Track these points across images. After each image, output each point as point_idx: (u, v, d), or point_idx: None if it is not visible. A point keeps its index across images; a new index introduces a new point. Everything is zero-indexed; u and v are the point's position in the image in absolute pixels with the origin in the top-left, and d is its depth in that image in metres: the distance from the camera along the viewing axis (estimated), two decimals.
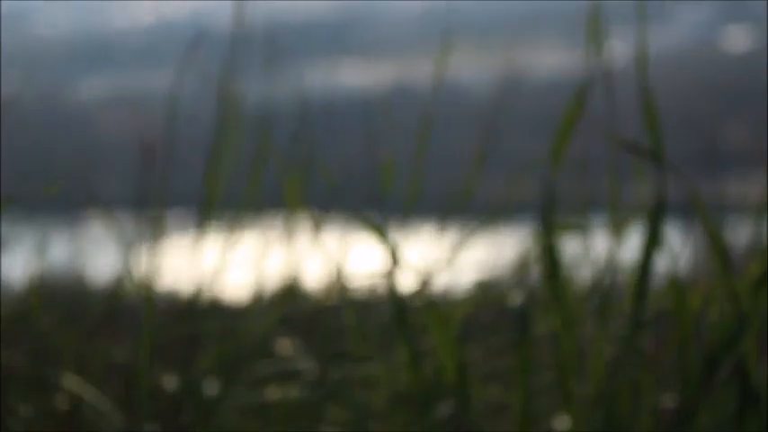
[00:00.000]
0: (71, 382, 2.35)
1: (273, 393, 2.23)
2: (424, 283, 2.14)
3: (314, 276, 2.43)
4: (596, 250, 2.09)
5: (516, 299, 2.00)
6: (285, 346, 2.30)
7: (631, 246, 2.08)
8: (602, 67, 2.03)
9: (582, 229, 2.06)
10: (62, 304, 2.55)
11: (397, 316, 2.02)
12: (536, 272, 2.19)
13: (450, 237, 2.26)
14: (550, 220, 1.98)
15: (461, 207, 2.26)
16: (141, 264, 2.38)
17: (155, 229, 2.34)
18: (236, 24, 2.23)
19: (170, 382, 2.30)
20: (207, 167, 2.29)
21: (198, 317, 2.35)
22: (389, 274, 2.05)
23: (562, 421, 2.05)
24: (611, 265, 2.05)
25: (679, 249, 2.09)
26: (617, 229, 2.05)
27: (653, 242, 1.99)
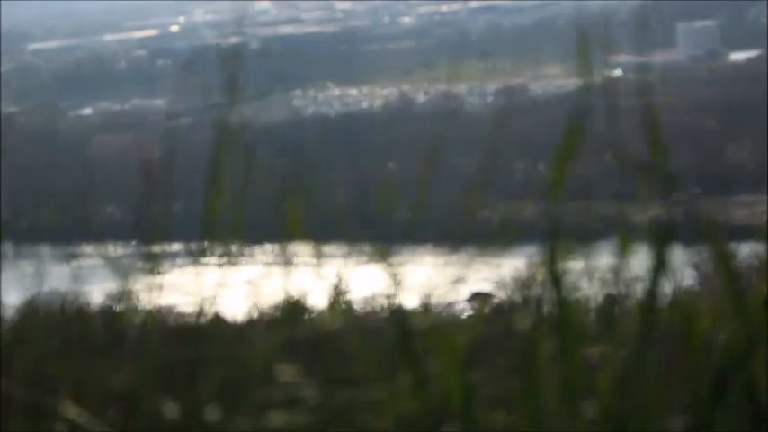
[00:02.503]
0: (69, 408, 2.33)
1: (276, 419, 2.21)
2: (428, 307, 2.12)
3: (316, 300, 2.41)
4: (603, 271, 2.08)
5: (522, 321, 1.98)
6: (288, 371, 2.28)
7: (638, 265, 2.06)
8: (602, 84, 2.01)
9: (587, 252, 2.04)
10: (60, 330, 2.54)
11: (401, 340, 2.00)
12: (542, 294, 2.17)
13: (453, 259, 2.23)
14: (555, 242, 1.96)
15: (464, 230, 2.24)
16: (140, 289, 2.36)
17: (154, 254, 2.32)
18: (235, 44, 2.21)
19: (171, 408, 2.28)
20: (208, 190, 2.27)
21: (199, 342, 2.32)
22: (393, 298, 2.03)
23: None
24: (618, 286, 2.04)
25: (686, 268, 2.07)
26: (623, 249, 2.03)
27: (660, 263, 1.98)
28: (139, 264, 2.35)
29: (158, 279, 2.30)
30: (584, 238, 2.07)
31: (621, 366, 2.04)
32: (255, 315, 2.38)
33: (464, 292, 2.19)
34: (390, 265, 2.05)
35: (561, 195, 1.98)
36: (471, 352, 2.18)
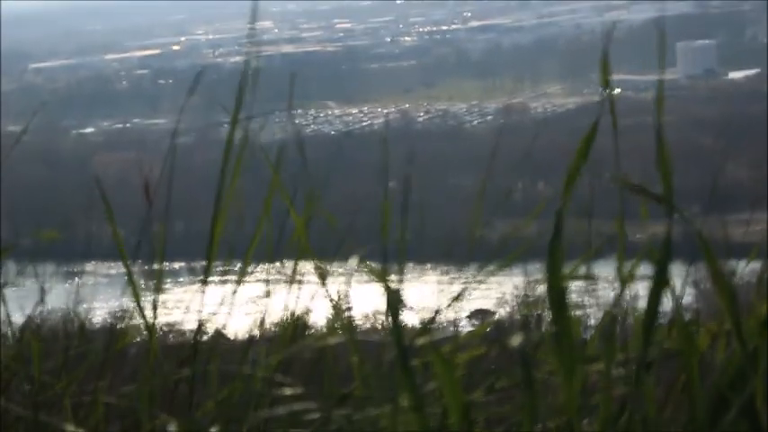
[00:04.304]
0: (70, 426, 2.33)
1: None
2: (428, 326, 2.12)
3: (318, 318, 2.41)
4: (603, 290, 2.08)
5: (522, 341, 1.98)
6: (288, 388, 2.28)
7: (638, 285, 2.06)
8: (607, 107, 2.02)
9: (588, 273, 2.05)
10: (61, 349, 2.54)
11: (402, 359, 2.01)
12: (542, 313, 2.18)
13: (454, 278, 2.24)
14: (557, 262, 1.96)
15: (465, 249, 2.24)
16: (142, 308, 2.36)
17: (155, 272, 2.33)
18: (244, 65, 2.22)
19: (171, 426, 2.28)
20: (213, 208, 2.28)
21: (200, 360, 2.33)
22: (393, 317, 2.03)
23: None
24: (618, 306, 2.04)
25: (685, 289, 2.07)
26: (623, 270, 2.03)
27: (660, 283, 1.98)
28: (141, 282, 2.36)
29: (160, 297, 2.31)
30: (585, 256, 2.07)
31: (621, 384, 2.04)
32: (257, 332, 2.38)
33: (465, 309, 2.19)
34: (391, 283, 2.05)
35: (564, 214, 1.98)
36: (471, 369, 2.18)
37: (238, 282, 2.29)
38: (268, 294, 2.37)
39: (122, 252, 2.33)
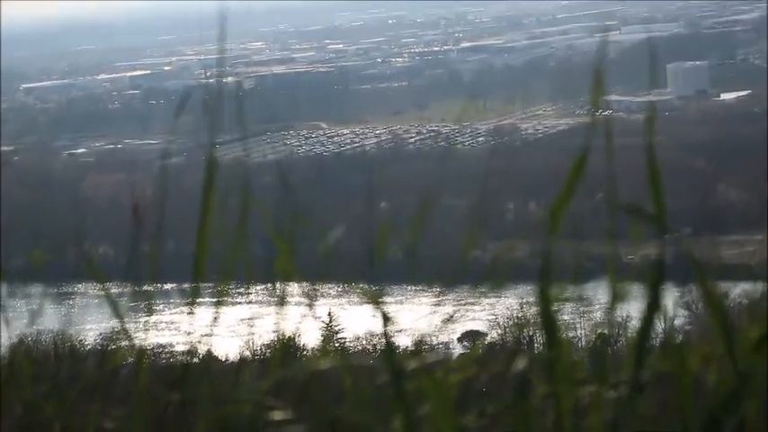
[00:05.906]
0: None
1: None
2: (421, 348, 2.12)
3: (309, 340, 2.40)
4: (595, 312, 2.08)
5: (515, 363, 1.97)
6: (279, 412, 2.27)
7: (631, 307, 2.06)
8: (600, 128, 2.02)
9: (578, 296, 2.04)
10: (53, 370, 2.53)
11: (394, 382, 2.00)
12: (534, 335, 2.17)
13: (446, 299, 2.23)
14: (548, 284, 1.96)
15: (458, 271, 2.24)
16: (132, 330, 2.35)
17: (146, 293, 2.32)
18: (222, 85, 2.21)
19: None
20: (197, 231, 2.27)
21: (191, 383, 2.32)
22: (386, 340, 2.03)
23: None
24: (610, 327, 2.03)
25: (677, 310, 2.07)
26: (615, 291, 2.03)
27: (653, 305, 1.97)
28: (132, 303, 2.35)
29: (150, 318, 2.30)
30: (576, 277, 2.07)
31: (613, 407, 2.04)
32: (247, 355, 2.37)
33: (457, 330, 2.19)
34: (383, 305, 2.04)
35: (555, 235, 1.98)
36: (464, 391, 2.17)
37: (218, 303, 2.28)
38: (259, 316, 2.36)
39: (96, 274, 2.32)
